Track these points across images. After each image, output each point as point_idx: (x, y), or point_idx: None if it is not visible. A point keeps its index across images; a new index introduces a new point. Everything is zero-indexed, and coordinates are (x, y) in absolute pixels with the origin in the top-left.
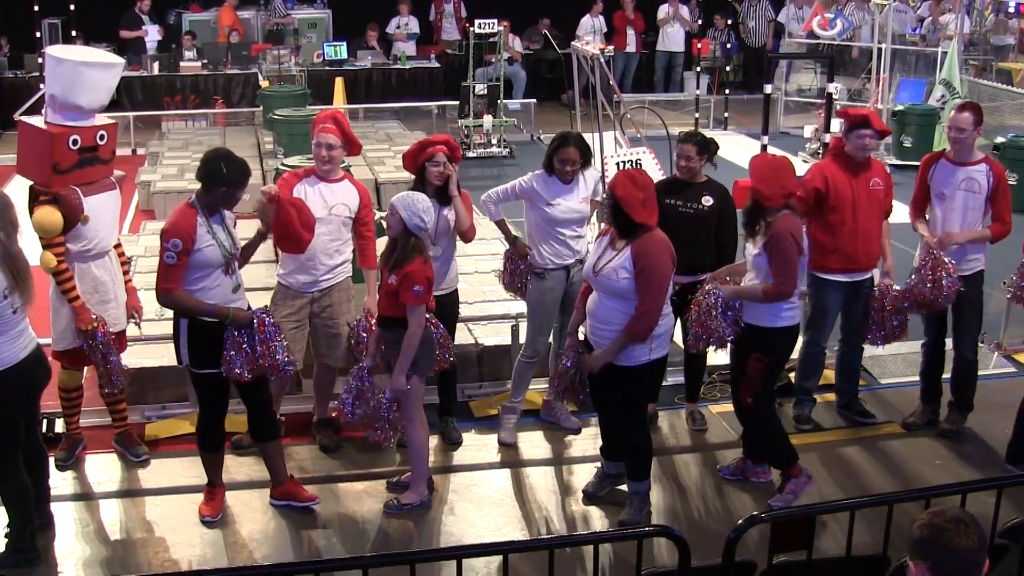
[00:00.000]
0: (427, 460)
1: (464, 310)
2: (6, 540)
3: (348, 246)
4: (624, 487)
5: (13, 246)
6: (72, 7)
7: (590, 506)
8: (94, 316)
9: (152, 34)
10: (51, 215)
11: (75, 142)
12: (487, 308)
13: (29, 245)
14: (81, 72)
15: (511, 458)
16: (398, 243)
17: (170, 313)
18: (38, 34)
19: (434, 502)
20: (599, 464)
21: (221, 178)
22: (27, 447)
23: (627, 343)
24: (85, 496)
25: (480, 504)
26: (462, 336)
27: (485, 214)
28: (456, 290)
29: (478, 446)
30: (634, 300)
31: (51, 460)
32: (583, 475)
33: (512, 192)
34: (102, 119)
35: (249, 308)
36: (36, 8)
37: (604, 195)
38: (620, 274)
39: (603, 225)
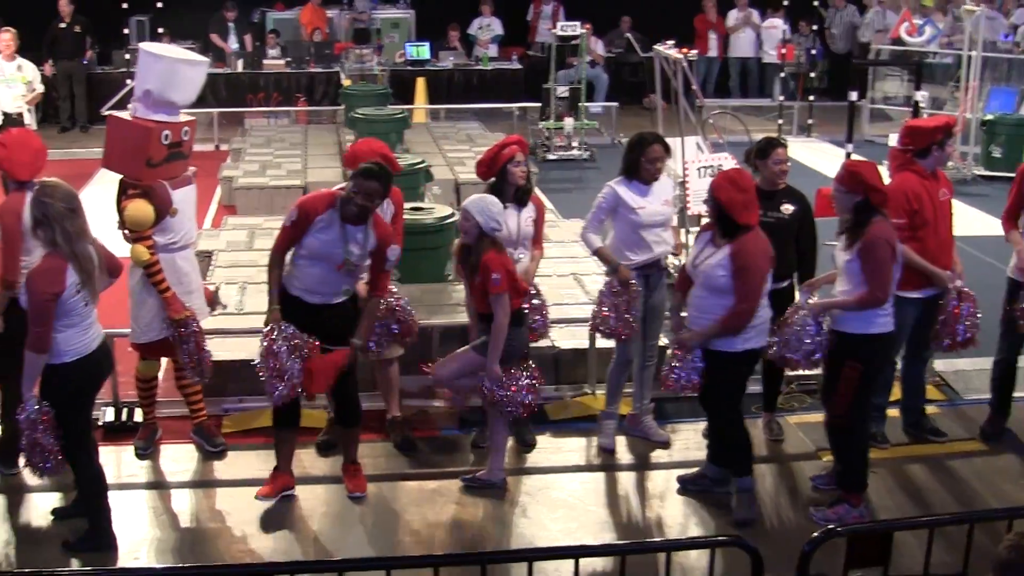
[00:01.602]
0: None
1: None
2: (86, 526)
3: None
4: (722, 490)
5: (82, 240)
6: (159, 4)
7: (664, 512)
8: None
9: (234, 47)
10: (144, 208)
11: (166, 137)
12: (564, 311)
13: (110, 238)
14: (177, 69)
15: (586, 462)
16: (473, 248)
17: (248, 307)
18: (126, 31)
19: (507, 504)
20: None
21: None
22: None
23: (720, 333)
24: (160, 485)
25: (553, 507)
26: (575, 343)
27: (587, 246)
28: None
29: (552, 449)
30: (731, 295)
31: (132, 448)
32: (658, 481)
33: (600, 213)
34: (184, 115)
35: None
36: (124, 5)
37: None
38: (718, 272)
39: (704, 222)
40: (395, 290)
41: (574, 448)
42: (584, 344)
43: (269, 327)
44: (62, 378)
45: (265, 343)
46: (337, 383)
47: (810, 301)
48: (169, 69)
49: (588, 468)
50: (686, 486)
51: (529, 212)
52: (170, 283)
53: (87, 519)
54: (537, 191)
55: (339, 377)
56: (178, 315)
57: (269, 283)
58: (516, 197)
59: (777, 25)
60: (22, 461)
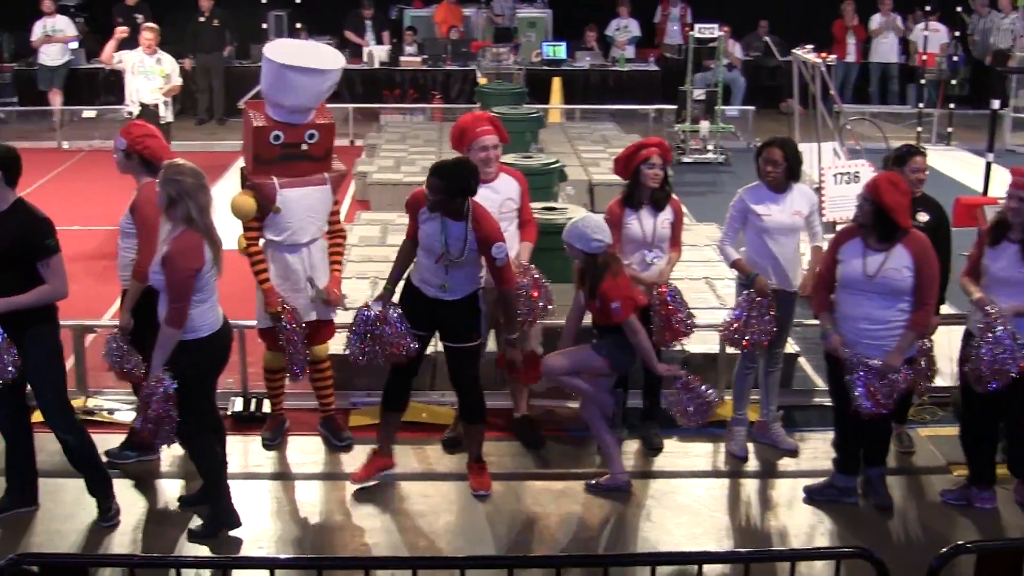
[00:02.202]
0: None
1: None
2: (208, 511)
3: (516, 239)
4: (850, 500)
5: (210, 218)
6: (297, 0)
7: (790, 521)
8: (280, 300)
9: (372, 40)
10: (244, 201)
11: (276, 137)
12: (696, 315)
13: (224, 224)
14: (286, 75)
15: (712, 467)
16: (586, 270)
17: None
18: (264, 25)
19: (631, 507)
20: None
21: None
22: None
23: (915, 338)
24: (285, 476)
25: (677, 512)
26: (704, 347)
27: (724, 259)
28: None
29: (679, 453)
30: (902, 298)
31: (259, 439)
32: (785, 490)
33: (733, 222)
34: (324, 116)
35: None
36: (264, 0)
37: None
38: (903, 273)
39: (839, 228)
40: (524, 281)
41: (701, 453)
42: (714, 349)
43: (370, 300)
44: (194, 354)
45: (359, 312)
46: (457, 377)
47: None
48: (278, 73)
49: (715, 474)
50: (813, 496)
51: (667, 215)
52: (276, 277)
53: (208, 500)
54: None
55: (459, 371)
56: (271, 309)
57: (392, 266)
58: (652, 199)
59: (940, 29)
60: (158, 442)
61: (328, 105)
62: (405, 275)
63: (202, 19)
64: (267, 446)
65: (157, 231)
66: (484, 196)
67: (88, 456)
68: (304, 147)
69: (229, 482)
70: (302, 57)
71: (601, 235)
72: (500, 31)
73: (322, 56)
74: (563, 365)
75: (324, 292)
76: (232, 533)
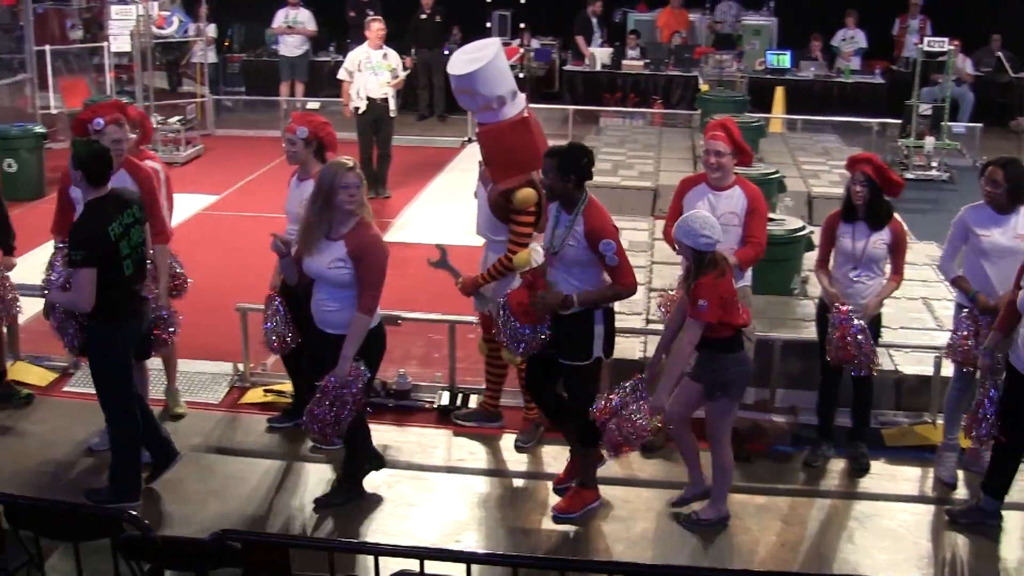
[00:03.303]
0: (731, 480)
1: (886, 335)
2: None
3: (728, 255)
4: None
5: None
6: (522, 0)
7: (997, 554)
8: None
9: (597, 42)
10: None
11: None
12: (911, 336)
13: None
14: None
15: (919, 492)
16: (691, 269)
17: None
18: (488, 24)
19: (833, 527)
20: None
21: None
22: None
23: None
24: (491, 472)
25: (880, 536)
26: (881, 361)
27: (944, 276)
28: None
29: (886, 476)
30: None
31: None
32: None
33: (953, 240)
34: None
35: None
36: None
37: None
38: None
39: None
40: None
41: (909, 477)
42: (928, 371)
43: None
44: (374, 340)
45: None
46: (568, 396)
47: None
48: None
49: (921, 499)
50: (957, 519)
51: (882, 236)
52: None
53: (346, 479)
54: (897, 216)
55: (567, 390)
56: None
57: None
58: (867, 216)
59: None
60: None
61: (547, 106)
62: None
63: (423, 16)
64: (519, 448)
65: None
66: (707, 201)
67: (120, 450)
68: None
69: (433, 475)
70: (455, 58)
71: (709, 232)
72: (721, 37)
73: (464, 60)
74: (679, 411)
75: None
76: (429, 525)
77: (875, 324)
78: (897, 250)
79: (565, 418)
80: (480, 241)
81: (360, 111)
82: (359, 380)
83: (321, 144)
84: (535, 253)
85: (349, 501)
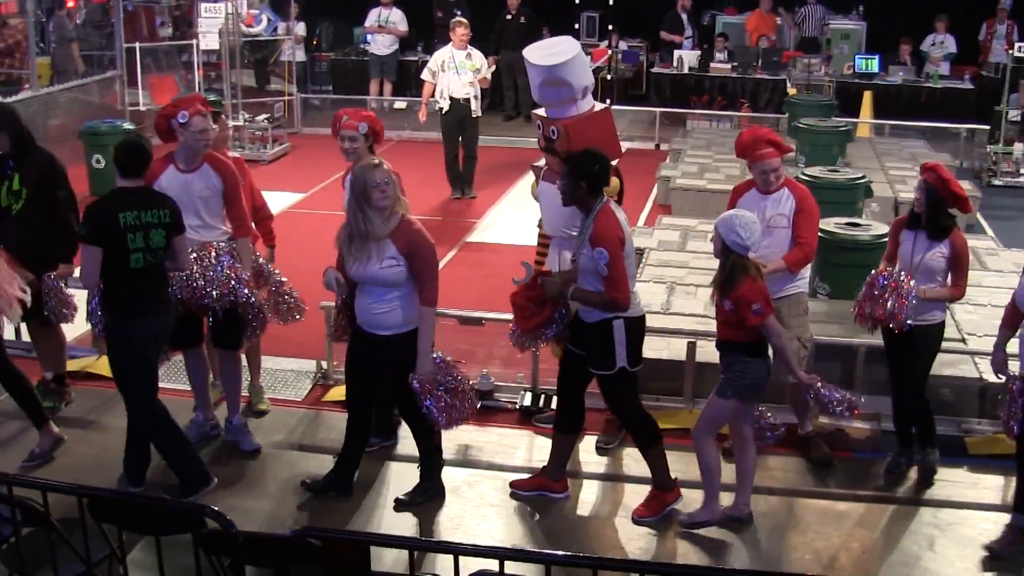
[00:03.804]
0: (719, 479)
1: (971, 342)
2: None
3: (778, 254)
4: None
5: None
6: (611, 1)
7: None
8: None
9: (687, 43)
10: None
11: (539, 127)
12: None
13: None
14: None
15: (1002, 501)
16: (720, 267)
17: (673, 307)
18: (576, 25)
19: (913, 534)
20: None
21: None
22: None
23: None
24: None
25: (961, 545)
26: (965, 368)
27: None
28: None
29: (968, 484)
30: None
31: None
32: None
33: None
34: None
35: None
36: (577, 0)
37: None
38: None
39: None
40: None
41: (991, 486)
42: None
43: None
44: (410, 343)
45: None
46: (608, 404)
47: None
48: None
49: (1004, 508)
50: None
51: (941, 248)
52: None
53: (427, 478)
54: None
55: (606, 398)
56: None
57: None
58: (927, 225)
59: None
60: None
61: (634, 108)
62: None
63: (509, 16)
64: (600, 451)
65: None
66: (757, 206)
67: (160, 448)
68: (549, 143)
69: (514, 475)
70: (535, 52)
71: (743, 233)
72: (806, 40)
73: (546, 52)
74: (707, 427)
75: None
76: (508, 525)
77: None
78: (957, 264)
79: (573, 426)
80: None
81: (443, 111)
82: (448, 368)
83: (375, 137)
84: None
85: (430, 500)
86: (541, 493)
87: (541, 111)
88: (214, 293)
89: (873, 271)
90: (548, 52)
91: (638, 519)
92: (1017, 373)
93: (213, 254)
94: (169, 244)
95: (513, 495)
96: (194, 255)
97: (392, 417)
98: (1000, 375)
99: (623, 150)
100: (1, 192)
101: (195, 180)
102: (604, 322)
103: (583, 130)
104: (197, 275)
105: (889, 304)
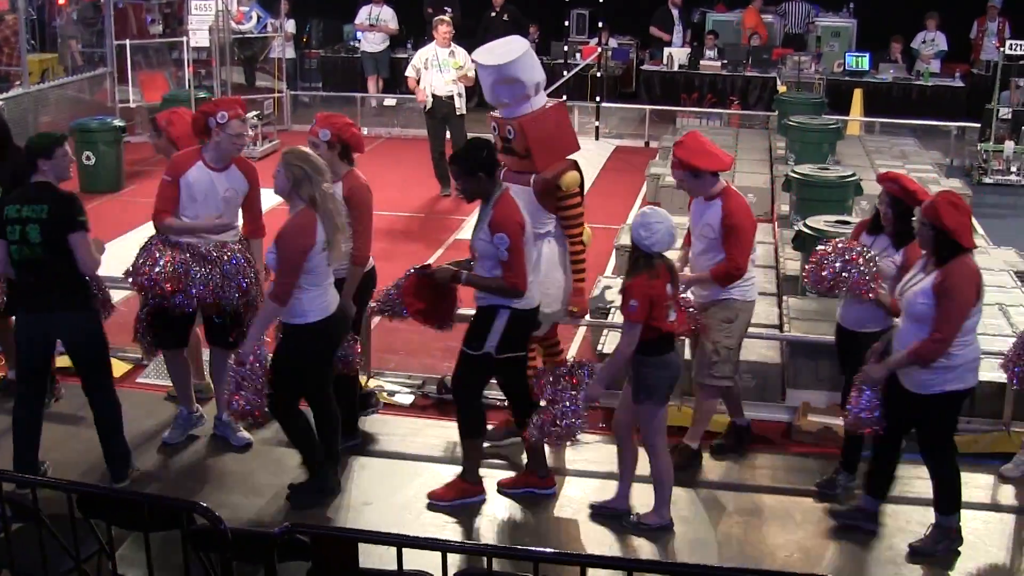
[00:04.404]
0: (671, 486)
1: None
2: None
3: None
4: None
5: (330, 202)
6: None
7: None
8: None
9: (676, 40)
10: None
11: (495, 129)
12: (987, 342)
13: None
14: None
15: (991, 501)
16: (629, 264)
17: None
18: (566, 22)
19: (901, 533)
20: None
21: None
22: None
23: (907, 363)
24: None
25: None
26: (994, 375)
27: None
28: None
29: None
30: (928, 326)
31: None
32: None
33: None
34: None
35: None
36: None
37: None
38: (919, 299)
39: None
40: None
41: (981, 485)
42: (1003, 378)
43: None
44: (304, 338)
45: None
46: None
47: None
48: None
49: (994, 507)
50: (841, 519)
51: (896, 257)
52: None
53: (307, 470)
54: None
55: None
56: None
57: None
58: (893, 235)
59: None
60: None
61: (624, 106)
62: None
63: (493, 14)
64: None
65: (371, 216)
66: (696, 210)
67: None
68: (507, 143)
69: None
70: (484, 54)
71: (645, 233)
72: (791, 37)
73: (496, 52)
74: (621, 417)
75: None
76: (494, 525)
77: None
78: (901, 275)
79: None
80: None
81: (427, 108)
82: (257, 363)
83: (346, 146)
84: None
85: (323, 493)
86: (528, 491)
87: (496, 112)
88: (235, 295)
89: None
90: (499, 52)
91: (432, 501)
92: None
93: (229, 254)
94: (49, 241)
95: (500, 492)
96: (214, 254)
97: (356, 416)
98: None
99: (581, 147)
100: None
101: (222, 180)
102: (491, 308)
103: (540, 126)
104: (216, 274)
105: (838, 265)
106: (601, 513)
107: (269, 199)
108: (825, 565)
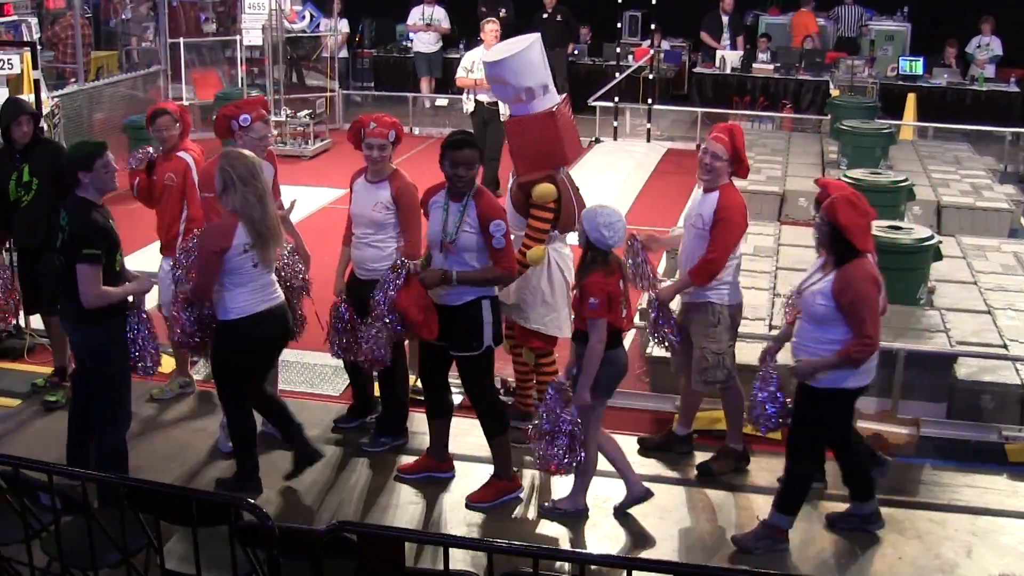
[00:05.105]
0: (591, 477)
1: (1013, 348)
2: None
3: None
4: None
5: (260, 207)
6: (654, 1)
7: None
8: None
9: (725, 46)
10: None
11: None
12: None
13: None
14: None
15: None
16: (581, 256)
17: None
18: (619, 24)
19: (949, 541)
20: None
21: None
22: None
23: (839, 365)
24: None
25: (1000, 552)
26: (1008, 375)
27: None
28: None
29: (1008, 491)
30: (828, 327)
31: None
32: None
33: None
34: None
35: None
36: (620, 0)
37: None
38: (817, 299)
39: None
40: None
41: None
42: None
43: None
44: (227, 334)
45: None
46: (466, 388)
47: None
48: None
49: None
50: (840, 524)
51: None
52: None
53: (237, 462)
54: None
55: (465, 381)
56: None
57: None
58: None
59: None
60: None
61: (676, 108)
62: None
63: (545, 15)
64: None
65: (419, 214)
66: (694, 198)
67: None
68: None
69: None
70: (494, 49)
71: (608, 232)
72: (844, 41)
73: (500, 50)
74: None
75: None
76: (552, 526)
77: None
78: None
79: (444, 412)
80: None
81: (470, 112)
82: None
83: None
84: (557, 252)
85: (243, 489)
86: (428, 475)
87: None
88: (294, 301)
89: None
90: (503, 49)
91: (471, 504)
92: None
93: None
94: (65, 256)
95: (398, 478)
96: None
97: (405, 415)
98: None
99: (570, 161)
100: (10, 185)
101: None
102: (473, 303)
103: (519, 132)
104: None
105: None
106: (626, 509)
107: (321, 197)
108: (875, 574)
